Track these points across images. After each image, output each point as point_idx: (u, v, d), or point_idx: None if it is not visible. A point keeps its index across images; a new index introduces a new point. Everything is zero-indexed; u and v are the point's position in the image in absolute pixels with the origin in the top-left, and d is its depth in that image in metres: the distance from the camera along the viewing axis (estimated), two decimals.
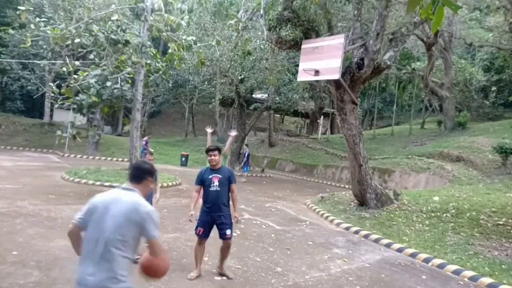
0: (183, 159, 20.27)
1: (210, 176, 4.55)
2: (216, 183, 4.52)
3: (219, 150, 4.66)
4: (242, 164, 16.97)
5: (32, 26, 11.53)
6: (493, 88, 26.50)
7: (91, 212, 2.15)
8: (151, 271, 2.17)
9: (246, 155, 16.70)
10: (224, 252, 4.71)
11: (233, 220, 4.65)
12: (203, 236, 4.58)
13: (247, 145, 19.63)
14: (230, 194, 4.66)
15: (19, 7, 10.72)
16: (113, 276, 2.03)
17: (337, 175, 19.23)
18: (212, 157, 4.56)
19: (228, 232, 4.56)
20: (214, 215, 4.53)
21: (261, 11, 9.94)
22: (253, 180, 16.49)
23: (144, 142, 15.24)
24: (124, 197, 2.16)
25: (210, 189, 4.53)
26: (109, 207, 2.12)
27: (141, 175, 2.32)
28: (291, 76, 20.10)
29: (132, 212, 2.10)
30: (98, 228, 2.09)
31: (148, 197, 5.99)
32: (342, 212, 9.73)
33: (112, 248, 2.05)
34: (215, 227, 4.59)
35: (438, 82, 22.27)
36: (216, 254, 5.51)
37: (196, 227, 4.62)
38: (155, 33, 13.76)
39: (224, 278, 4.66)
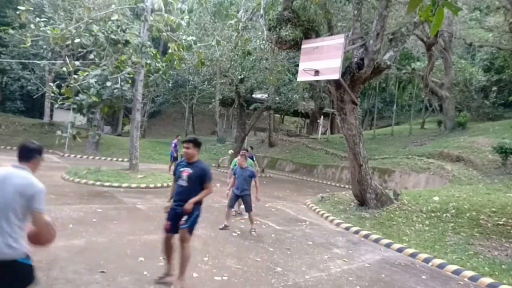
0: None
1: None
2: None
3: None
4: None
5: (32, 26, 11.57)
6: (493, 88, 26.47)
7: None
8: (35, 240, 2.48)
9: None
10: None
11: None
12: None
13: (251, 147, 19.57)
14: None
15: (19, 7, 10.75)
16: (7, 242, 2.28)
17: (337, 175, 19.23)
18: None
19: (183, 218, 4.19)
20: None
21: (261, 11, 9.95)
22: None
23: (173, 145, 15.13)
24: (16, 174, 2.42)
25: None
26: (6, 181, 2.36)
27: (29, 154, 2.57)
28: (291, 76, 20.11)
29: (25, 187, 2.37)
30: None
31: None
32: (342, 212, 9.73)
33: (8, 217, 2.29)
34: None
35: (438, 82, 22.26)
36: (216, 254, 5.52)
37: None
38: (155, 33, 13.78)
39: (225, 278, 4.65)
